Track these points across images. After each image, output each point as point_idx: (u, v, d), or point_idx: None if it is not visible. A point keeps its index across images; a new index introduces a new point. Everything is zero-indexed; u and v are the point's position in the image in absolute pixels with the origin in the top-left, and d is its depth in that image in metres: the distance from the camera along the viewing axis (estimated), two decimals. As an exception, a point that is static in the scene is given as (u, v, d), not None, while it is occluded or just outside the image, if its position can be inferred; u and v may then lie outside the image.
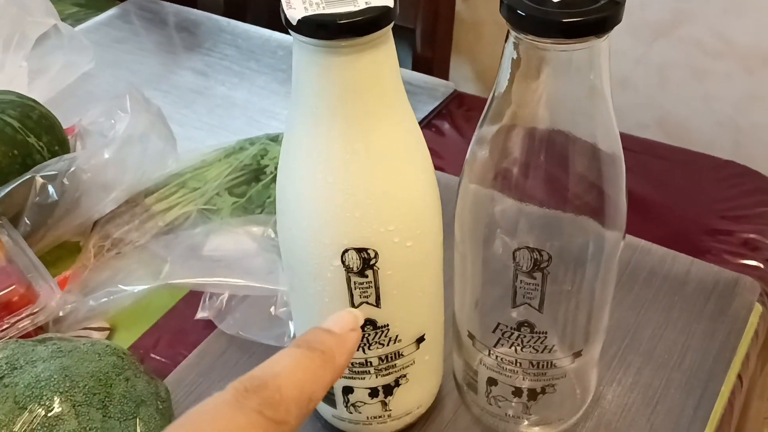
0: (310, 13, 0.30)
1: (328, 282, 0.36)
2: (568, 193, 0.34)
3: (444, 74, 0.85)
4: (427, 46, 0.82)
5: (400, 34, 0.97)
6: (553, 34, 0.29)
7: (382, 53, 0.32)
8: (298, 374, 0.19)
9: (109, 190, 0.55)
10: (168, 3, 0.93)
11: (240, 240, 0.55)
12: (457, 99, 0.75)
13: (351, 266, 0.35)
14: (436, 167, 0.62)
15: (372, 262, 0.35)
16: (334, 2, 0.31)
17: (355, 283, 0.36)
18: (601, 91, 0.32)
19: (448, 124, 0.73)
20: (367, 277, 0.36)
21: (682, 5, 0.70)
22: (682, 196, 0.60)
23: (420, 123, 0.72)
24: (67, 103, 0.74)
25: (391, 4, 0.31)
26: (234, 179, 0.60)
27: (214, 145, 0.63)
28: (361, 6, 0.30)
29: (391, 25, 0.31)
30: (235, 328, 0.50)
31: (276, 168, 0.58)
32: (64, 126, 0.63)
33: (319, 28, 0.30)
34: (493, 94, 0.33)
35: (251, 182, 0.60)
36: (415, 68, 0.83)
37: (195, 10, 0.91)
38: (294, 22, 0.30)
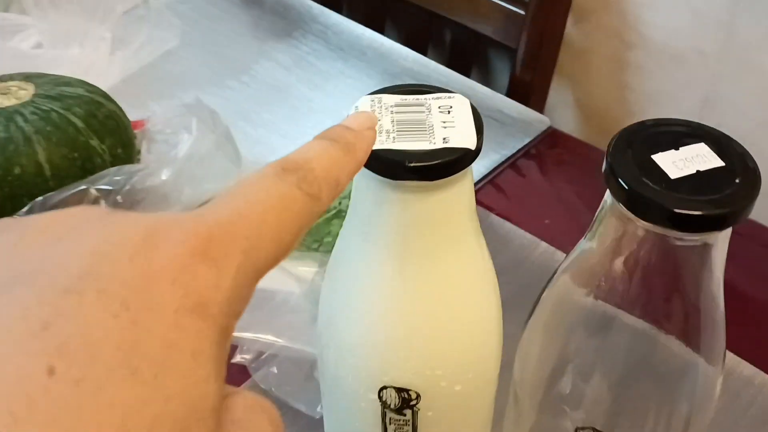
0: (377, 146, 0.26)
1: (360, 411, 0.32)
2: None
3: (541, 101, 0.78)
4: (527, 69, 0.75)
5: (501, 52, 0.90)
6: (659, 222, 0.24)
7: (455, 192, 0.27)
8: (326, 159, 0.21)
9: (163, 209, 0.52)
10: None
11: (286, 281, 0.51)
12: (550, 137, 0.69)
13: (388, 403, 0.31)
14: (504, 215, 0.57)
15: (412, 403, 0.31)
16: (407, 132, 0.26)
17: (390, 418, 0.32)
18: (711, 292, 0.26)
19: (536, 166, 0.67)
20: (405, 415, 0.32)
21: None
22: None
23: (505, 161, 0.67)
24: (144, 82, 0.71)
25: (473, 146, 0.26)
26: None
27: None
28: (438, 144, 0.26)
29: (471, 165, 0.27)
30: (269, 383, 0.47)
31: (341, 203, 0.55)
32: (134, 117, 0.60)
33: (385, 166, 0.26)
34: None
35: (313, 215, 0.56)
36: (511, 91, 0.77)
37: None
38: (357, 154, 0.26)
